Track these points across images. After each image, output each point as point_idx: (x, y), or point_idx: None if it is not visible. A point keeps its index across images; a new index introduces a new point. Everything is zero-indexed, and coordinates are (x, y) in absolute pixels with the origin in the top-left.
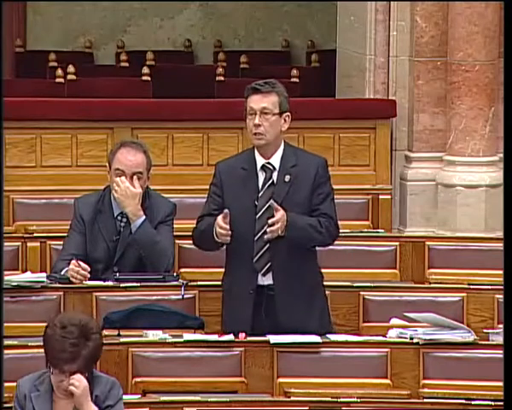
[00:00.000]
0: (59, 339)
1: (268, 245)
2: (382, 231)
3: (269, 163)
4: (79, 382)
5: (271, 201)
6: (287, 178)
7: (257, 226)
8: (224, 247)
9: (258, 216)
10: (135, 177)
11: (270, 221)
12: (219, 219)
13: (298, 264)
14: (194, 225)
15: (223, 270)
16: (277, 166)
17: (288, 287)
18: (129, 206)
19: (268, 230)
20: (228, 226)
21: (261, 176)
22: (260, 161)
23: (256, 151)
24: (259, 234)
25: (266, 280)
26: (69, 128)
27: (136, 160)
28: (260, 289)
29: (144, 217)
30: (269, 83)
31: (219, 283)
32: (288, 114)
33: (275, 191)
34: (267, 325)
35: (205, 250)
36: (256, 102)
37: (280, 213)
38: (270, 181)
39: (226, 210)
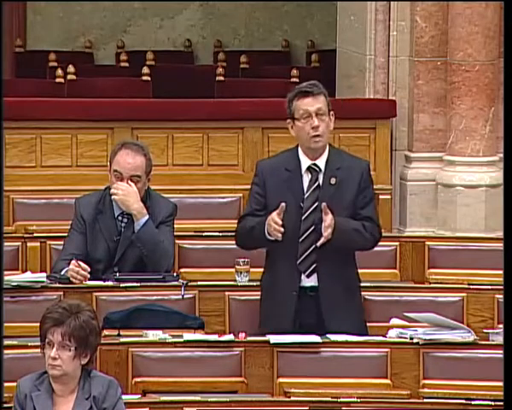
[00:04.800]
0: (50, 308)
1: (314, 247)
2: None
3: (315, 164)
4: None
5: (323, 204)
6: (333, 180)
7: (302, 228)
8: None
9: (303, 217)
10: (132, 180)
11: (324, 226)
12: (274, 214)
13: (342, 266)
14: (237, 225)
15: (223, 270)
16: (323, 168)
17: (332, 289)
18: (133, 204)
19: (324, 234)
20: (281, 222)
21: (306, 177)
22: (305, 162)
23: (301, 152)
24: (305, 235)
25: (309, 282)
26: (69, 128)
27: (134, 163)
28: (303, 290)
29: (148, 216)
30: (315, 85)
31: (219, 283)
32: (332, 112)
33: (320, 193)
34: (310, 324)
35: (247, 249)
36: (310, 104)
37: (330, 217)
38: (316, 183)
39: (283, 204)
